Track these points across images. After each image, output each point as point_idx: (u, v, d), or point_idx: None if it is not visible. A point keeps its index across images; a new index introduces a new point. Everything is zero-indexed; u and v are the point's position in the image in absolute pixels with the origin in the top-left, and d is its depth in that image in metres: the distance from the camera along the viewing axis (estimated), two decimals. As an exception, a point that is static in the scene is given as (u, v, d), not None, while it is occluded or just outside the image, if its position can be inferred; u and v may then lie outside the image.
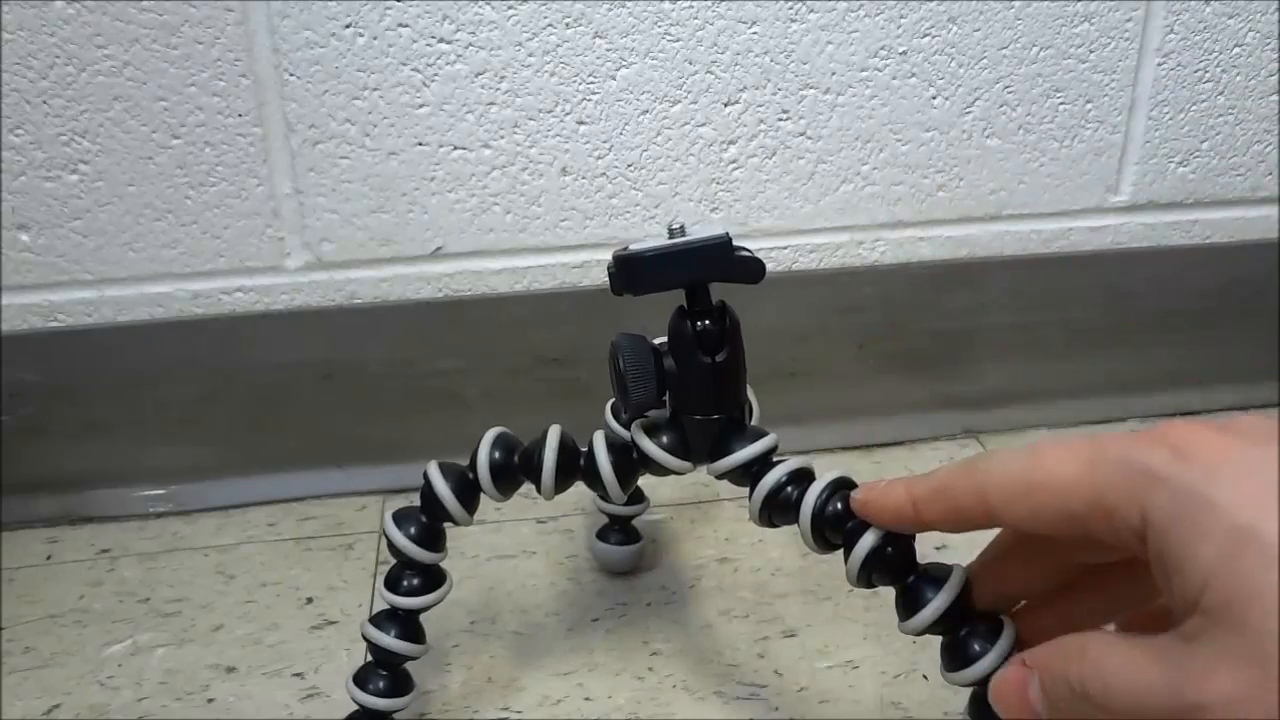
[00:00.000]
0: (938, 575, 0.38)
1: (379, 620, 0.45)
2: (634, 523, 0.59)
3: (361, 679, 0.45)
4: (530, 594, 0.59)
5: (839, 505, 0.40)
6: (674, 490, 0.66)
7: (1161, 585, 0.28)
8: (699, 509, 0.66)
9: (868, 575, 0.39)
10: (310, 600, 0.58)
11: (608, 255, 0.65)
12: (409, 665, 0.46)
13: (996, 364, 0.73)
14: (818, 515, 0.40)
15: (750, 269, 0.42)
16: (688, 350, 0.42)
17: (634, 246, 0.41)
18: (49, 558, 0.63)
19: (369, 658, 0.46)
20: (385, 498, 0.67)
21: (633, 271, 0.41)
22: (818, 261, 0.68)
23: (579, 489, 0.46)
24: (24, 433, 0.63)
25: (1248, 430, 0.28)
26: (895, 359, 0.71)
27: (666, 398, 0.43)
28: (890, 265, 0.69)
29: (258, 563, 0.62)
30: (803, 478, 0.42)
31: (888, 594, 0.40)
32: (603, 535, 0.59)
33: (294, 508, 0.67)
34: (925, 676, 0.52)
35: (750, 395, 0.47)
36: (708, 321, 0.42)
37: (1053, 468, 0.30)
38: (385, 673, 0.45)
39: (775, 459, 0.43)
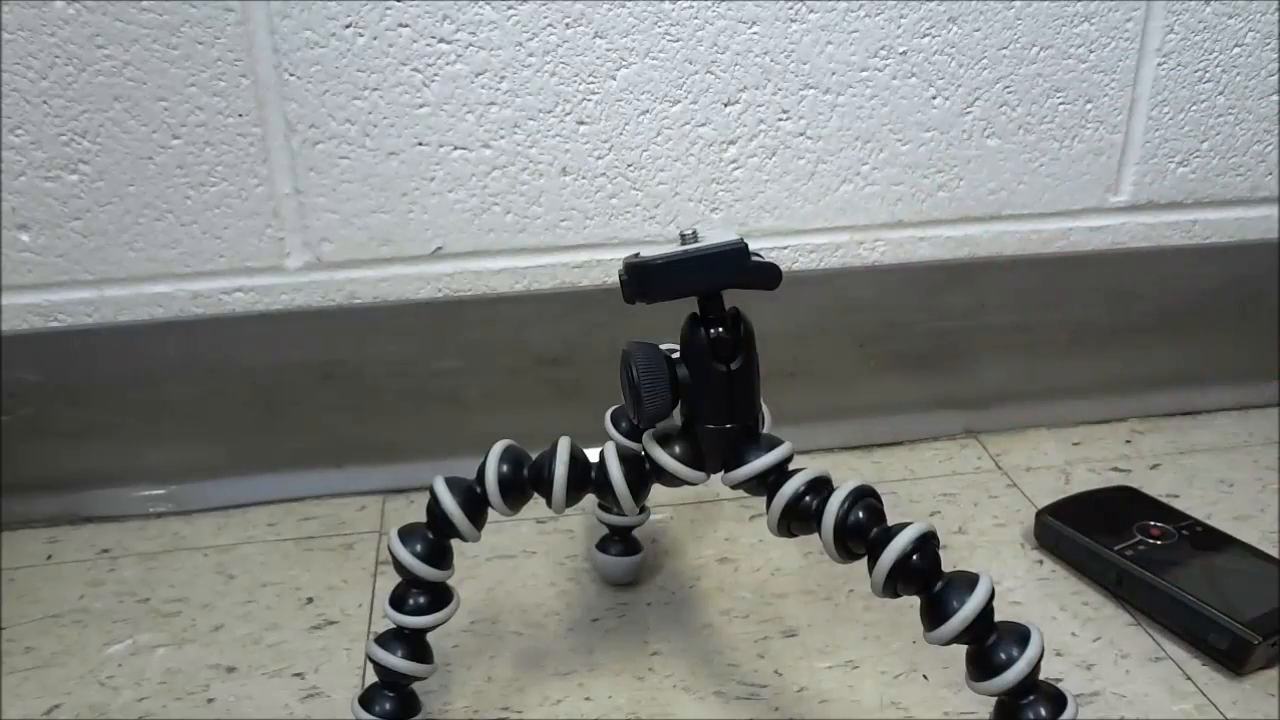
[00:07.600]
0: (964, 583, 0.37)
1: (385, 640, 0.44)
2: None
3: (367, 701, 0.44)
4: (530, 594, 0.59)
5: (861, 514, 0.39)
6: (674, 491, 0.66)
7: None
8: (699, 509, 0.66)
9: (894, 585, 0.38)
10: (310, 600, 0.58)
11: (608, 255, 0.66)
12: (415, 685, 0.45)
13: (996, 364, 0.73)
14: (840, 525, 0.39)
15: (767, 276, 0.40)
16: (702, 358, 0.41)
17: (646, 253, 0.39)
18: (49, 558, 0.63)
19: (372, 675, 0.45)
20: (385, 498, 0.67)
21: (646, 280, 0.39)
22: (818, 261, 0.68)
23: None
24: (24, 433, 0.63)
25: None
26: (895, 359, 0.71)
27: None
28: (890, 265, 0.69)
29: (258, 563, 0.62)
30: (821, 486, 0.41)
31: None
32: (603, 546, 0.58)
33: (294, 508, 0.67)
34: (925, 676, 0.52)
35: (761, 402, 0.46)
36: (722, 329, 0.41)
37: None
38: (392, 694, 0.44)
39: (791, 468, 0.42)
